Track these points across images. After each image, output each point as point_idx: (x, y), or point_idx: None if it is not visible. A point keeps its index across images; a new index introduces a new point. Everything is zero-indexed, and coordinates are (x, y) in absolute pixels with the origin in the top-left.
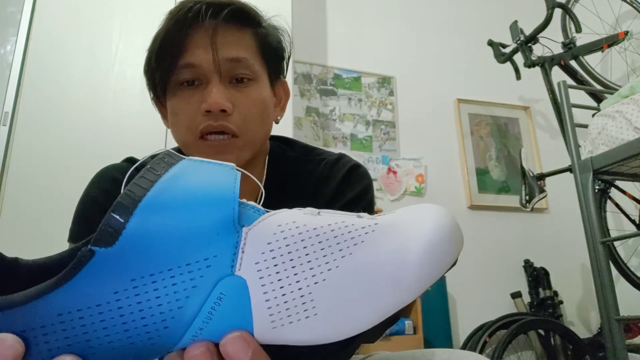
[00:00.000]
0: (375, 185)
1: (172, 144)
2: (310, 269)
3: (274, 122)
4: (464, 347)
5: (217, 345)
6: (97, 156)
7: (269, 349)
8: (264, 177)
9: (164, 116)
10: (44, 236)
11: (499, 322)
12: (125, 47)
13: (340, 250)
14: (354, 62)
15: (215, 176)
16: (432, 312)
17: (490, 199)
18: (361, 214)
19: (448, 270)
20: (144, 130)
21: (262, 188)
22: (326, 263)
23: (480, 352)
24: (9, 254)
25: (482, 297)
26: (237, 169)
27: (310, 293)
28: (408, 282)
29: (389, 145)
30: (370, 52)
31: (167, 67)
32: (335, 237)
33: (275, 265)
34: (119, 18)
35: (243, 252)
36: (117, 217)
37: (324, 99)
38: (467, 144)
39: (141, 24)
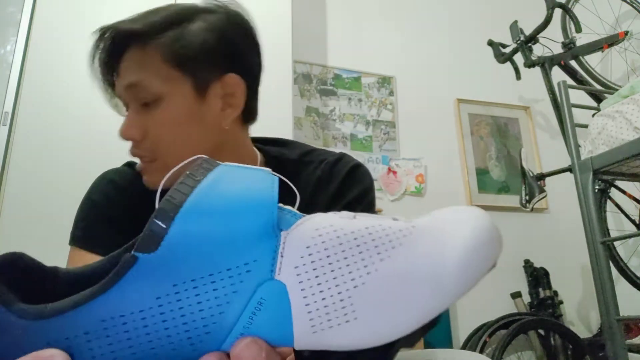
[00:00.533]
0: (375, 185)
1: None
2: (350, 272)
3: (224, 127)
4: (464, 347)
5: (228, 354)
6: (97, 156)
7: (306, 358)
8: None
9: None
10: (44, 236)
11: (499, 322)
12: None
13: (378, 254)
14: (354, 62)
15: (253, 181)
16: None
17: (490, 199)
18: (397, 216)
19: (487, 272)
20: None
21: (297, 192)
22: (365, 267)
23: (480, 352)
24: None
25: (482, 297)
26: (274, 174)
27: (350, 297)
28: (448, 286)
29: (389, 145)
30: (370, 52)
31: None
32: (373, 240)
33: (314, 270)
34: (119, 18)
35: (282, 256)
36: (160, 222)
37: (324, 99)
38: (467, 144)
39: None
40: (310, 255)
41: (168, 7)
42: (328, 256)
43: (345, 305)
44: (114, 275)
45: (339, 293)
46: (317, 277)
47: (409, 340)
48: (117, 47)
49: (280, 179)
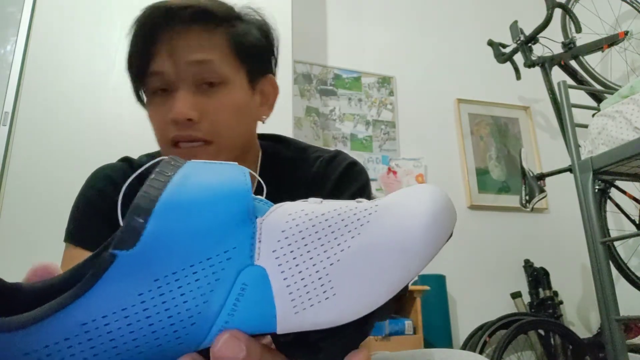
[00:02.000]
0: (376, 185)
1: None
2: (325, 251)
3: (259, 122)
4: (464, 347)
5: (201, 351)
6: (97, 156)
7: (288, 343)
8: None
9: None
10: (44, 236)
11: (499, 322)
12: (125, 47)
13: (349, 232)
14: (354, 62)
15: (224, 173)
16: (432, 312)
17: (490, 199)
18: (360, 199)
19: (446, 242)
20: (143, 130)
21: (263, 183)
22: (338, 245)
23: (480, 352)
24: (9, 253)
25: (482, 297)
26: (242, 168)
27: (327, 274)
28: (414, 251)
29: (389, 145)
30: (370, 52)
31: (136, 76)
32: (342, 220)
33: (291, 252)
34: (119, 18)
35: (260, 241)
36: (137, 218)
37: (324, 99)
38: (467, 144)
39: None
40: (286, 238)
41: (222, 2)
42: (303, 238)
43: (324, 282)
44: (92, 277)
45: (317, 271)
46: (294, 258)
47: (382, 313)
48: (185, 23)
49: (269, 176)
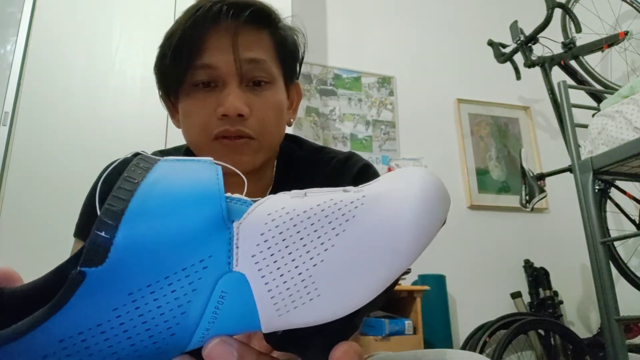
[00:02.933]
0: None
1: (172, 143)
2: (307, 252)
3: (290, 124)
4: (464, 347)
5: (191, 352)
6: (97, 156)
7: (277, 338)
8: (274, 177)
9: (172, 115)
10: (44, 236)
11: (499, 322)
12: (125, 47)
13: (333, 229)
14: (354, 62)
15: (195, 174)
16: (432, 312)
17: (490, 199)
18: (347, 187)
19: (440, 229)
20: (143, 129)
21: (244, 177)
22: (322, 244)
23: (480, 352)
24: (9, 253)
25: (482, 297)
26: (216, 163)
27: (310, 276)
28: (403, 247)
29: (389, 145)
30: (370, 52)
31: (183, 67)
32: (326, 216)
33: (272, 255)
34: (119, 18)
35: (237, 247)
36: (102, 234)
37: (324, 99)
38: (467, 144)
39: (141, 24)
40: (265, 242)
41: (269, 5)
42: (284, 240)
43: (307, 284)
44: (64, 294)
45: (299, 274)
46: (275, 262)
47: (373, 305)
48: (243, 20)
49: (285, 176)
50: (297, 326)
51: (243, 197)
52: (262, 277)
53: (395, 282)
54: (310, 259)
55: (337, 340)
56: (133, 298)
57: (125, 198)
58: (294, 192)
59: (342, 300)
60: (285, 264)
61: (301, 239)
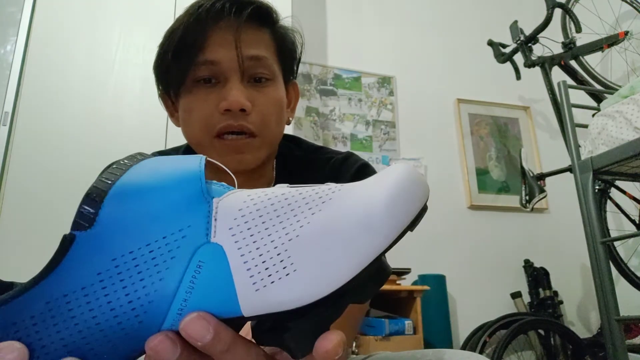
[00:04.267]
0: None
1: (172, 143)
2: (283, 228)
3: (288, 122)
4: (464, 347)
5: (176, 332)
6: (97, 156)
7: (264, 332)
8: (274, 176)
9: (171, 113)
10: (45, 236)
11: (499, 322)
12: (125, 47)
13: (309, 209)
14: (354, 62)
15: (181, 162)
16: (432, 312)
17: (490, 199)
18: (329, 183)
19: (420, 217)
20: (144, 129)
21: (233, 177)
22: (297, 221)
23: (480, 352)
24: (9, 254)
25: (482, 297)
26: (209, 160)
27: (286, 250)
28: (378, 224)
29: (389, 145)
30: (370, 52)
31: (185, 63)
32: (303, 198)
33: (248, 229)
34: (119, 18)
35: (216, 220)
36: (92, 199)
37: (324, 99)
38: (467, 144)
39: (141, 24)
40: (243, 216)
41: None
42: (260, 215)
43: (283, 258)
44: (55, 256)
45: (275, 247)
46: (252, 235)
47: (358, 293)
48: (246, 18)
49: (283, 175)
50: (277, 307)
51: (231, 186)
52: (239, 248)
53: (384, 273)
54: (286, 234)
55: (319, 327)
56: (116, 264)
57: (117, 174)
58: (279, 185)
59: (318, 276)
60: (262, 238)
61: (277, 216)
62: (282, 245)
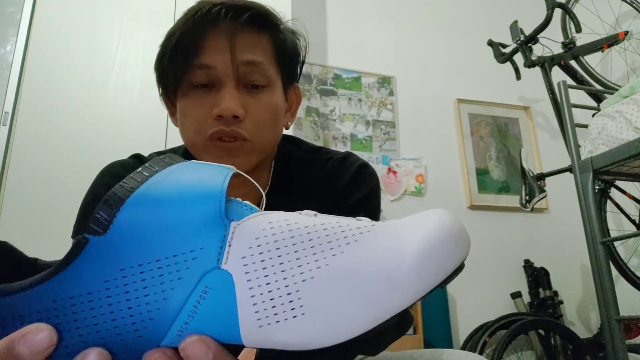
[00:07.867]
0: None
1: (172, 143)
2: (299, 266)
3: (284, 128)
4: (464, 347)
5: (176, 349)
6: (97, 156)
7: (266, 357)
8: (270, 179)
9: (172, 113)
10: (45, 236)
11: (499, 322)
12: (125, 47)
13: (331, 249)
14: (354, 62)
15: (206, 174)
16: (432, 312)
17: (490, 199)
18: (361, 217)
19: (454, 276)
20: (144, 129)
21: (264, 194)
22: (316, 261)
23: (480, 352)
24: None
25: (482, 297)
26: (235, 171)
27: (297, 291)
28: (403, 282)
29: (389, 145)
30: (370, 52)
31: (180, 66)
32: (327, 235)
33: (262, 261)
34: (119, 18)
35: (230, 245)
36: (109, 206)
37: (324, 99)
38: (467, 144)
39: (141, 24)
40: (259, 246)
41: (270, 8)
42: (277, 248)
43: (293, 299)
44: (67, 257)
45: (287, 286)
46: (264, 268)
47: (370, 345)
48: (243, 23)
49: (282, 176)
50: (280, 346)
51: (253, 205)
52: (248, 280)
53: (404, 324)
54: (301, 273)
55: None
56: (124, 274)
57: (139, 180)
58: (306, 211)
59: (328, 325)
60: (274, 273)
61: (295, 251)
62: (294, 285)
